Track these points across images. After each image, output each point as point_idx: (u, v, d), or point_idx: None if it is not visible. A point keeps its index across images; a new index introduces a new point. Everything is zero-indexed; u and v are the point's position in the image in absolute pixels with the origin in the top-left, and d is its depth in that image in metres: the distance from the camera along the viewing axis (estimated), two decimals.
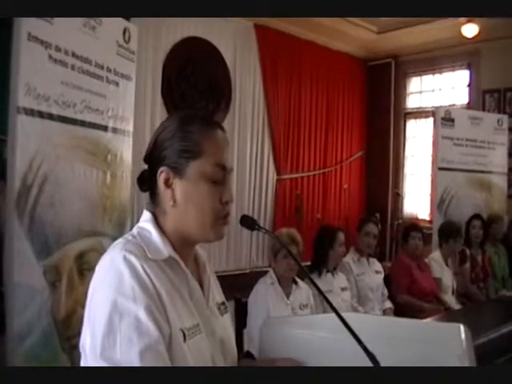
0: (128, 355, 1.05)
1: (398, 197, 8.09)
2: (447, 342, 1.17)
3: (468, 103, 7.35)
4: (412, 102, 8.26)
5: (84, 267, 2.96)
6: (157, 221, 1.26)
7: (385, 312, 3.94)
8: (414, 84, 8.23)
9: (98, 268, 1.16)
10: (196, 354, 1.17)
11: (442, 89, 7.81)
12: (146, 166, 1.30)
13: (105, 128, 3.26)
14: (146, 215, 1.28)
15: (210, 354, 1.23)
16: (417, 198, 8.16)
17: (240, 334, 2.82)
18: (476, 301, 4.55)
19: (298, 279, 3.13)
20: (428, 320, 2.92)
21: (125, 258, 1.13)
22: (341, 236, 3.61)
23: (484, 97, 7.14)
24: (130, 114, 3.54)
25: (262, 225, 1.36)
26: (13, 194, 2.58)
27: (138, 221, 1.31)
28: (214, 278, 1.42)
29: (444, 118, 5.88)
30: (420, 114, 8.14)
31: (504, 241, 5.27)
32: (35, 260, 2.66)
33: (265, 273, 3.14)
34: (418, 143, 8.18)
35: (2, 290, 2.60)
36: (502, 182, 6.21)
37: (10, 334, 2.55)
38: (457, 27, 6.54)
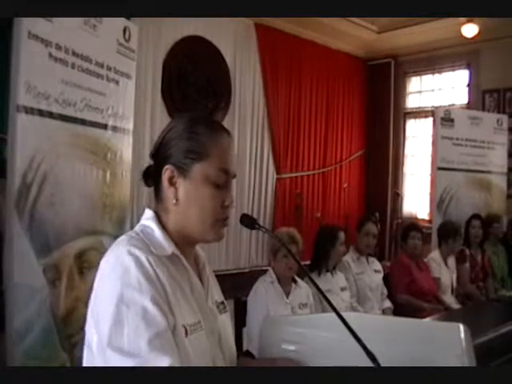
0: (136, 344, 1.06)
1: (397, 196, 8.09)
2: (447, 341, 1.17)
3: (468, 103, 7.34)
4: (412, 102, 8.26)
5: (84, 266, 2.96)
6: (159, 219, 1.28)
7: (384, 311, 3.94)
8: (414, 84, 8.23)
9: (102, 263, 1.18)
10: (197, 350, 1.18)
11: (441, 88, 7.81)
12: (145, 166, 1.31)
13: (105, 126, 3.26)
14: (149, 213, 1.30)
15: (210, 351, 1.25)
16: (416, 198, 8.16)
17: (239, 332, 2.82)
18: (475, 300, 4.55)
19: (297, 278, 3.13)
20: (427, 319, 2.93)
21: (130, 252, 1.15)
22: (342, 235, 3.61)
23: (484, 97, 7.14)
24: (129, 112, 3.55)
25: (261, 224, 1.37)
26: (13, 193, 2.58)
27: (137, 219, 1.32)
28: (213, 278, 1.43)
29: (444, 118, 5.88)
30: (420, 113, 8.14)
31: (503, 241, 5.27)
32: (35, 258, 2.66)
33: (264, 272, 3.14)
34: (418, 143, 8.18)
35: (2, 289, 2.60)
36: (501, 182, 6.22)
37: (10, 332, 2.55)
38: (457, 27, 6.54)
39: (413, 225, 4.64)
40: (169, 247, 1.23)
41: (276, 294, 2.98)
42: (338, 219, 7.62)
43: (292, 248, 2.93)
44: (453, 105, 7.41)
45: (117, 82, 3.36)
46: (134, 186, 3.90)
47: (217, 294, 1.42)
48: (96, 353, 1.12)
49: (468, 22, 6.48)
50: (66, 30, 2.88)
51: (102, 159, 3.23)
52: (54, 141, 2.82)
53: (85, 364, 1.18)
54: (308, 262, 3.60)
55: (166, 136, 1.28)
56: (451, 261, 4.60)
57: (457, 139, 5.93)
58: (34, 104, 2.69)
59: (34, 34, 2.67)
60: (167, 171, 1.25)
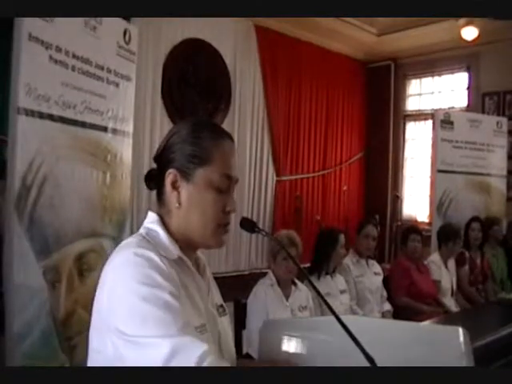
0: (168, 332, 1.05)
1: (397, 199, 8.10)
2: (446, 344, 1.17)
3: (467, 106, 7.35)
4: (411, 105, 8.27)
5: (83, 268, 2.96)
6: (163, 222, 1.28)
7: (384, 314, 3.94)
8: (414, 86, 8.24)
9: (111, 267, 1.17)
10: None
11: (441, 91, 7.82)
12: (145, 168, 1.32)
13: (105, 129, 3.26)
14: (152, 216, 1.30)
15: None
16: (416, 200, 8.17)
17: (239, 335, 2.82)
18: (475, 303, 4.55)
19: (297, 281, 3.13)
20: (427, 323, 2.92)
21: (141, 253, 1.15)
22: (342, 238, 3.62)
23: (483, 99, 7.15)
24: (129, 114, 3.55)
25: (261, 226, 1.38)
26: (13, 195, 2.58)
27: (137, 222, 1.33)
28: (212, 281, 1.44)
29: (443, 121, 5.89)
30: (419, 116, 8.15)
31: (503, 243, 5.27)
32: (35, 260, 2.65)
33: (264, 274, 3.14)
34: (418, 145, 8.19)
35: (2, 291, 2.60)
36: (501, 185, 6.21)
37: (10, 334, 2.55)
38: (456, 30, 6.55)
39: (412, 227, 4.64)
40: (174, 250, 1.24)
41: (276, 296, 2.98)
42: (338, 222, 7.62)
43: (292, 251, 2.93)
44: (452, 107, 7.42)
45: (117, 85, 3.37)
46: (133, 189, 3.90)
47: (217, 296, 1.43)
48: (125, 355, 1.09)
49: (468, 24, 6.49)
50: (67, 32, 2.88)
51: (101, 161, 3.23)
52: (54, 143, 2.82)
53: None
54: (308, 265, 3.60)
55: (169, 140, 1.29)
56: (451, 263, 4.60)
57: (456, 142, 5.93)
58: (35, 106, 2.69)
59: (35, 36, 2.67)
60: (170, 175, 1.26)
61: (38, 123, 2.72)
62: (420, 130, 8.17)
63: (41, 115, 2.73)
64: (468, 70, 7.37)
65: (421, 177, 8.08)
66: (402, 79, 8.22)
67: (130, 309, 1.09)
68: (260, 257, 6.89)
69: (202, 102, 6.18)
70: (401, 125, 8.28)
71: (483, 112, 6.99)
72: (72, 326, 2.83)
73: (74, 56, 2.96)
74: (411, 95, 8.27)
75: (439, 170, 5.89)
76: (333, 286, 3.53)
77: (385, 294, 4.04)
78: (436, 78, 7.88)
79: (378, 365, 1.04)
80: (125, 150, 3.48)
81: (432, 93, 7.97)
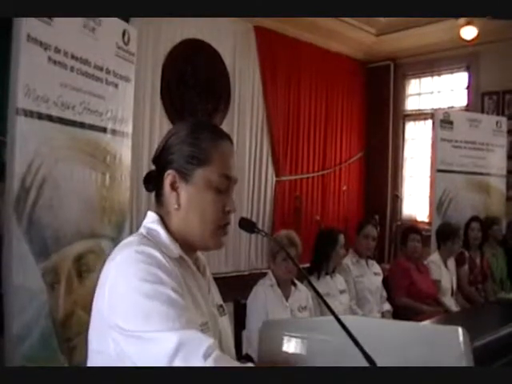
0: (174, 326, 1.05)
1: (396, 199, 8.10)
2: (446, 344, 1.17)
3: (467, 105, 7.35)
4: (411, 104, 8.27)
5: (83, 269, 2.96)
6: (163, 222, 1.28)
7: (383, 314, 3.94)
8: (413, 86, 8.24)
9: (112, 265, 1.17)
10: None
11: (440, 91, 7.81)
12: (144, 170, 1.32)
13: (104, 130, 3.26)
14: (152, 216, 1.30)
15: None
16: (416, 200, 8.16)
17: (239, 336, 2.82)
18: (475, 303, 4.55)
19: (297, 281, 3.13)
20: (427, 323, 2.92)
21: (143, 250, 1.16)
22: (341, 238, 3.62)
23: (483, 99, 7.15)
24: (129, 115, 3.54)
25: (260, 226, 1.38)
26: (11, 196, 2.57)
27: (137, 223, 1.33)
28: (212, 281, 1.44)
29: (443, 120, 5.89)
30: (419, 116, 8.15)
31: (502, 243, 5.27)
32: (34, 262, 2.65)
33: (264, 275, 3.14)
34: (417, 145, 8.19)
35: (1, 292, 2.59)
36: (500, 185, 6.22)
37: (9, 335, 2.55)
38: (456, 29, 6.55)
39: (412, 227, 4.65)
40: (175, 249, 1.24)
41: (275, 297, 2.98)
42: (338, 222, 7.62)
43: (291, 251, 2.93)
44: (452, 107, 7.42)
45: (116, 86, 3.36)
46: (133, 189, 3.90)
47: (216, 296, 1.43)
48: (132, 353, 1.09)
49: (467, 24, 6.49)
50: (65, 33, 2.88)
51: (101, 162, 3.23)
52: (53, 144, 2.81)
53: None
54: (307, 265, 3.60)
55: (168, 141, 1.30)
56: (451, 263, 4.61)
57: (456, 141, 5.93)
58: (33, 107, 2.69)
59: (33, 38, 2.66)
60: (169, 176, 1.26)
61: (36, 124, 2.71)
62: (419, 129, 8.16)
63: (40, 116, 2.73)
64: (467, 69, 7.36)
65: (420, 176, 8.08)
66: (401, 79, 8.22)
67: (133, 306, 1.08)
68: (260, 257, 6.88)
69: (202, 103, 6.18)
70: (400, 125, 8.27)
71: (483, 112, 6.98)
72: (71, 328, 2.83)
73: (72, 57, 2.95)
74: (411, 95, 8.26)
75: (439, 170, 5.89)
76: (332, 286, 3.54)
77: (384, 294, 4.04)
78: (435, 77, 7.88)
79: (378, 365, 1.04)
80: (124, 150, 3.48)
81: (431, 92, 7.96)
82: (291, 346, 1.38)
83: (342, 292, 3.59)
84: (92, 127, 3.14)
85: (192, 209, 1.26)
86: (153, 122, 5.74)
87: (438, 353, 1.16)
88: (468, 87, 7.38)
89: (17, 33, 2.61)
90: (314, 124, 7.63)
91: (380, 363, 1.04)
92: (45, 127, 2.77)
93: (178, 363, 1.02)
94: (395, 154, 8.27)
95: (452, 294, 4.44)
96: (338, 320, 1.12)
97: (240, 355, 2.62)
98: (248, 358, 2.55)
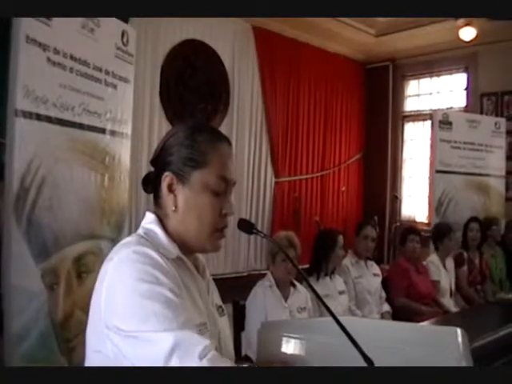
0: (170, 330, 1.05)
1: (395, 199, 8.10)
2: (444, 345, 1.17)
3: (466, 106, 7.36)
4: (410, 105, 8.27)
5: (82, 270, 2.96)
6: (161, 223, 1.28)
7: (383, 315, 3.94)
8: (412, 87, 8.25)
9: (110, 266, 1.17)
10: None
11: (439, 92, 7.82)
12: (143, 171, 1.32)
13: (103, 131, 3.26)
14: (151, 217, 1.30)
15: None
16: (415, 201, 8.16)
17: (238, 337, 2.81)
18: (474, 303, 4.55)
19: (296, 282, 3.13)
20: (425, 323, 2.92)
21: (141, 251, 1.16)
22: (340, 239, 3.62)
23: (482, 100, 7.16)
24: (128, 116, 3.54)
25: (259, 227, 1.38)
26: (11, 197, 2.57)
27: (136, 224, 1.33)
28: (211, 282, 1.44)
29: (442, 121, 5.90)
30: (418, 116, 8.15)
31: (501, 243, 5.27)
32: (33, 263, 2.65)
33: (263, 276, 3.14)
34: (416, 146, 8.19)
35: (0, 293, 2.59)
36: (499, 185, 6.23)
37: (8, 336, 2.54)
38: (454, 30, 6.55)
39: (411, 228, 4.65)
40: (173, 250, 1.24)
41: (274, 298, 2.99)
42: (337, 223, 7.62)
43: (290, 252, 2.93)
44: (451, 108, 7.42)
45: (115, 87, 3.36)
46: (132, 190, 3.89)
47: (216, 297, 1.43)
48: (128, 354, 1.09)
49: (466, 25, 6.49)
50: (64, 34, 2.88)
51: (100, 163, 3.22)
52: (52, 145, 2.81)
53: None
54: (306, 266, 3.60)
55: (166, 143, 1.29)
56: (450, 263, 4.61)
57: (455, 142, 5.94)
58: (32, 108, 2.69)
59: (32, 39, 2.66)
60: (167, 178, 1.26)
61: (35, 125, 2.71)
62: (418, 130, 8.17)
63: (39, 117, 2.72)
64: (466, 70, 7.37)
65: (419, 177, 8.08)
66: (400, 80, 8.22)
67: (129, 306, 1.09)
68: (259, 258, 6.88)
69: (201, 104, 6.18)
70: (399, 125, 8.28)
71: (481, 112, 6.99)
72: (70, 328, 2.83)
73: (71, 58, 2.95)
74: (410, 96, 8.27)
75: (438, 171, 5.89)
76: (332, 287, 3.54)
77: (384, 294, 4.04)
78: (434, 78, 7.89)
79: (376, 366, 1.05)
80: (123, 151, 3.47)
81: (430, 93, 7.97)
82: (290, 346, 1.38)
83: (341, 293, 3.59)
84: (91, 128, 3.14)
85: (189, 211, 1.26)
86: (152, 122, 5.74)
87: (436, 354, 1.16)
88: (467, 88, 7.39)
89: (15, 34, 2.60)
90: (313, 125, 7.63)
91: (379, 364, 1.05)
92: (44, 128, 2.77)
93: (173, 363, 1.03)
94: (394, 154, 8.27)
95: (451, 295, 4.44)
96: (337, 321, 1.12)
97: (239, 356, 2.62)
98: (247, 359, 2.55)
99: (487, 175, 6.13)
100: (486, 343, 2.59)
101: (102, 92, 3.24)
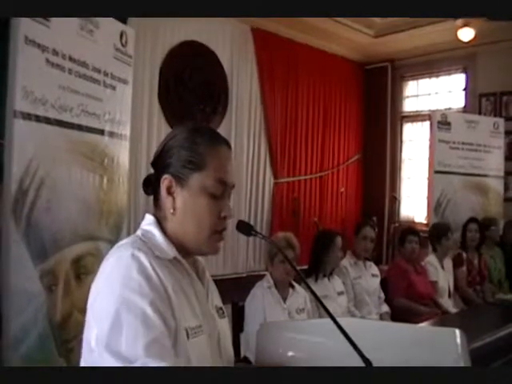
0: (134, 348, 1.06)
1: (394, 200, 8.10)
2: (443, 346, 1.17)
3: (464, 107, 7.36)
4: (408, 106, 8.27)
5: (80, 271, 2.96)
6: (160, 225, 1.29)
7: (382, 316, 3.94)
8: (411, 88, 8.25)
9: (105, 266, 1.19)
10: (197, 353, 1.19)
11: (438, 92, 7.83)
12: (142, 171, 1.32)
13: (102, 132, 3.26)
14: (149, 219, 1.31)
15: (210, 355, 1.26)
16: (413, 202, 8.16)
17: (237, 338, 2.81)
18: (472, 304, 4.55)
19: (294, 283, 3.13)
20: (424, 324, 2.93)
21: (133, 255, 1.16)
22: (339, 240, 3.62)
23: (480, 100, 7.16)
24: (126, 117, 3.54)
25: (258, 228, 1.38)
26: (9, 198, 2.57)
27: (134, 225, 1.33)
28: (211, 283, 1.44)
29: (440, 122, 5.90)
30: (416, 117, 8.15)
31: (500, 244, 5.27)
32: (32, 264, 2.65)
33: (262, 277, 3.14)
34: (415, 147, 8.19)
35: None
36: (498, 186, 6.23)
37: (6, 337, 2.54)
38: (453, 31, 6.56)
39: (410, 229, 4.64)
40: (170, 251, 1.25)
41: (273, 299, 2.98)
42: (336, 223, 7.62)
43: (289, 253, 2.93)
44: (449, 108, 7.43)
45: (114, 88, 3.36)
46: (130, 192, 3.89)
47: (216, 299, 1.43)
48: (95, 351, 1.11)
49: (464, 25, 6.49)
50: (63, 35, 2.88)
51: (98, 165, 3.22)
52: (50, 146, 2.81)
53: (82, 359, 1.19)
54: (305, 267, 3.60)
55: (166, 145, 1.30)
56: (448, 264, 4.61)
57: (454, 143, 5.95)
58: (31, 110, 2.69)
59: (31, 40, 2.66)
60: (166, 180, 1.26)
61: (34, 126, 2.71)
62: (417, 131, 8.17)
63: (37, 118, 2.73)
64: (465, 71, 7.38)
65: (418, 178, 8.07)
66: (399, 80, 8.23)
67: (109, 311, 1.09)
68: (258, 259, 6.87)
69: (199, 105, 6.17)
70: (398, 126, 8.28)
71: (480, 113, 7.00)
72: (69, 330, 2.83)
73: (70, 59, 2.95)
74: (408, 96, 8.27)
75: (436, 171, 5.90)
76: (330, 288, 3.54)
77: (382, 295, 4.04)
78: (433, 79, 7.89)
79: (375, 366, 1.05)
80: (122, 153, 3.48)
81: (429, 94, 7.97)
82: (289, 348, 1.38)
83: (339, 294, 3.59)
84: (90, 129, 3.14)
85: (187, 214, 1.26)
86: (151, 124, 5.73)
87: (435, 354, 1.16)
88: (465, 88, 7.39)
89: (14, 35, 2.61)
90: (311, 126, 7.63)
91: (378, 365, 1.05)
92: (42, 129, 2.77)
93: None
94: (393, 155, 8.28)
95: (449, 295, 4.43)
96: (336, 322, 1.12)
97: (238, 357, 2.62)
98: (246, 360, 2.55)
99: (486, 176, 6.13)
100: (485, 344, 2.59)
101: (101, 93, 3.24)
